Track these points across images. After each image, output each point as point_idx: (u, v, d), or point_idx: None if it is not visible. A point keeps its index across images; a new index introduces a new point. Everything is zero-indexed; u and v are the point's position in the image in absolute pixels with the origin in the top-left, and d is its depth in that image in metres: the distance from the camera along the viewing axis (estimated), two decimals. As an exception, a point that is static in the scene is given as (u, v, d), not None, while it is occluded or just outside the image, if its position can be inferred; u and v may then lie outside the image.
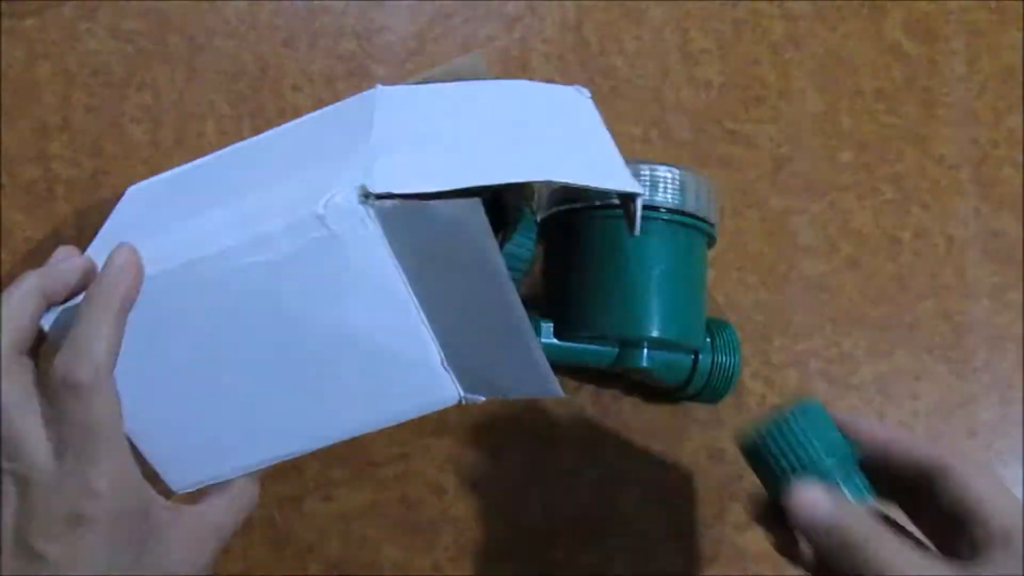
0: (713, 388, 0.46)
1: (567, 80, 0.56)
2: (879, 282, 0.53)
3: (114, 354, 0.32)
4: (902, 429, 0.39)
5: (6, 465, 0.32)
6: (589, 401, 0.50)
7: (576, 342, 0.45)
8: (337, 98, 0.55)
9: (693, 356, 0.46)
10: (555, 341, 0.45)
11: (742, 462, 0.48)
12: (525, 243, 0.45)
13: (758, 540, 0.48)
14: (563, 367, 0.45)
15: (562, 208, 0.45)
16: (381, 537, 0.48)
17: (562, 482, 0.49)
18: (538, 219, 0.46)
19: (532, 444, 0.50)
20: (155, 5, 0.55)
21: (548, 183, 0.41)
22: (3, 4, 0.56)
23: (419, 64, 0.56)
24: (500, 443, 0.50)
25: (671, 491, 0.49)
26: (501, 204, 0.45)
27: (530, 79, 0.56)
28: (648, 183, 0.43)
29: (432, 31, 0.57)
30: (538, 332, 0.44)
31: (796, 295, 0.53)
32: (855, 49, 0.57)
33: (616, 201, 0.42)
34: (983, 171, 0.55)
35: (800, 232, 0.54)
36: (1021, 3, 0.58)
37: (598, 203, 0.43)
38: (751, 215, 0.54)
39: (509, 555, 0.48)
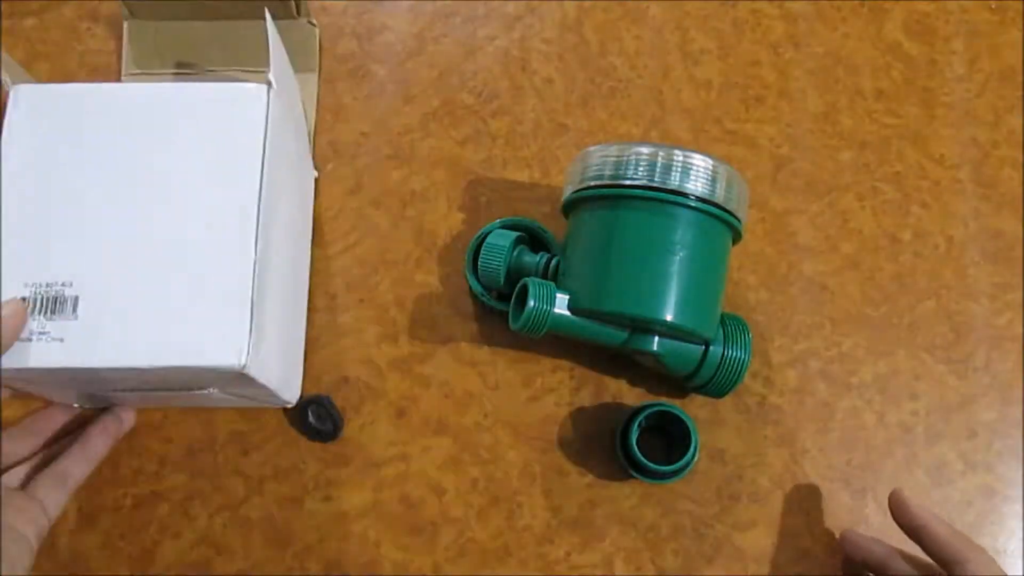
0: (720, 382, 0.46)
1: (567, 79, 0.56)
2: (879, 282, 0.53)
3: None
4: (936, 517, 0.43)
5: None
6: (589, 401, 0.50)
7: (590, 318, 0.45)
8: (338, 99, 0.55)
9: (704, 347, 0.46)
10: (567, 314, 0.45)
11: (743, 462, 0.48)
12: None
13: (758, 540, 0.48)
14: (575, 342, 0.45)
15: (591, 186, 0.45)
16: (381, 537, 0.48)
17: (562, 482, 0.49)
18: (565, 197, 0.47)
19: (532, 444, 0.50)
20: (155, 5, 0.55)
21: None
22: (3, 4, 0.56)
23: (419, 64, 0.56)
24: (500, 443, 0.50)
25: (671, 491, 0.49)
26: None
27: (530, 79, 0.56)
28: (680, 169, 0.43)
29: (432, 31, 0.57)
30: (552, 303, 0.44)
31: (796, 295, 0.53)
32: (855, 49, 0.57)
33: (649, 183, 0.43)
34: (983, 171, 0.55)
35: (800, 232, 0.54)
36: (1021, 3, 0.58)
37: (627, 183, 0.44)
38: (751, 215, 0.54)
39: (509, 555, 0.48)
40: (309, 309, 0.51)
